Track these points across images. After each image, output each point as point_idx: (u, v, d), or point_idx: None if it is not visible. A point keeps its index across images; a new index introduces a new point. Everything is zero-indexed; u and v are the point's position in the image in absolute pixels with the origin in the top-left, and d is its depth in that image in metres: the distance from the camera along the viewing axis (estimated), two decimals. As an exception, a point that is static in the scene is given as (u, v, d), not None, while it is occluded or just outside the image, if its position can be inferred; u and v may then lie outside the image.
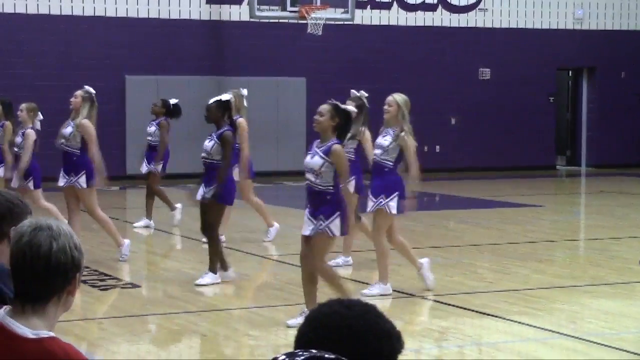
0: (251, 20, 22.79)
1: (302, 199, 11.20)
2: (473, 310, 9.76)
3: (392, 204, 10.27)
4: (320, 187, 8.77)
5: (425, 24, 26.09)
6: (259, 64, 24.19)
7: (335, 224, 8.74)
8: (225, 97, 11.19)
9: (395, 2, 25.76)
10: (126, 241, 12.51)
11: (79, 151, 12.11)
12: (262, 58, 24.27)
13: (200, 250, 12.83)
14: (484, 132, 26.65)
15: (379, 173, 10.47)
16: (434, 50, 26.01)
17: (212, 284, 11.03)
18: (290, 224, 14.49)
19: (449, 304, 10.06)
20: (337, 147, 8.73)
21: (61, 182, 12.16)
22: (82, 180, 12.05)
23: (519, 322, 9.36)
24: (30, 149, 12.95)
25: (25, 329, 3.12)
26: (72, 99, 12.18)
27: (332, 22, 22.86)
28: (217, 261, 11.10)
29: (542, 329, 9.09)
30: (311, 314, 2.47)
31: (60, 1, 22.82)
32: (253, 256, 13.14)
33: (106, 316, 9.77)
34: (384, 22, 25.69)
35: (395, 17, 25.80)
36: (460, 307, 9.93)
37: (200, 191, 11.09)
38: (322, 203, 8.75)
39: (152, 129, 15.43)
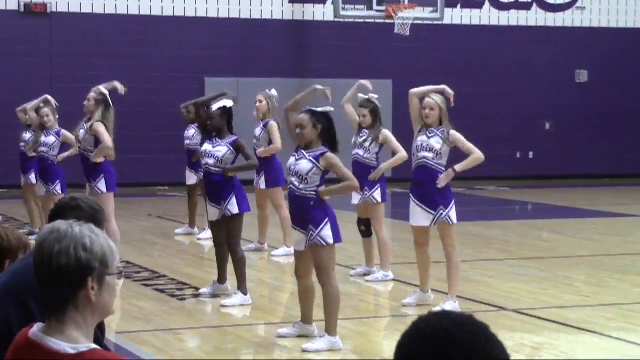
0: (335, 20, 22.89)
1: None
2: (568, 325, 9.56)
3: (453, 214, 9.90)
4: (303, 192, 8.50)
5: (519, 24, 25.93)
6: (343, 65, 23.97)
7: (326, 232, 8.38)
8: (228, 103, 10.57)
9: (487, 1, 25.67)
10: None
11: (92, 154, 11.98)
12: (346, 59, 24.14)
13: (278, 260, 13.33)
14: (580, 137, 26.32)
15: (431, 179, 9.84)
16: (527, 51, 25.69)
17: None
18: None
19: (543, 319, 9.83)
20: (329, 154, 8.47)
21: (87, 189, 12.00)
22: (102, 184, 11.83)
23: (618, 339, 9.16)
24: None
25: (64, 345, 3.05)
26: (85, 102, 12.05)
27: (420, 22, 22.90)
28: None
29: (643, 346, 8.96)
30: (418, 324, 2.41)
31: (139, 1, 22.96)
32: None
33: (184, 327, 9.66)
34: (475, 22, 25.55)
35: (487, 16, 25.67)
36: (555, 322, 9.71)
37: (212, 211, 10.50)
38: (306, 211, 8.46)
39: (190, 132, 15.04)
